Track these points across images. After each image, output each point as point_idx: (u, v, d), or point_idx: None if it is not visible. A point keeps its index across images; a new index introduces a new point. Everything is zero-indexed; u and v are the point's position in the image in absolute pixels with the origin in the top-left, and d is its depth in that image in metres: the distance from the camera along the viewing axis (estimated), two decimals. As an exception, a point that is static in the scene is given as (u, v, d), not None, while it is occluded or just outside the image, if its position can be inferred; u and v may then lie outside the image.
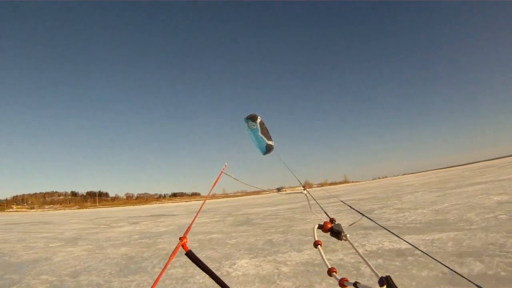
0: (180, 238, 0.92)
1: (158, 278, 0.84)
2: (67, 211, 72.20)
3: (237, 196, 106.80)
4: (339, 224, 1.12)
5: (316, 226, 1.11)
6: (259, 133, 2.95)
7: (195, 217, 1.31)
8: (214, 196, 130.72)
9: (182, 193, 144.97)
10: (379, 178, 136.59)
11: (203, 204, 1.53)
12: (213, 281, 0.89)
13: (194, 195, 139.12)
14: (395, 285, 0.72)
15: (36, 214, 55.74)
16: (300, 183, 2.42)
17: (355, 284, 0.75)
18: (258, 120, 2.96)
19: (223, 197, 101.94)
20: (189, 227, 1.08)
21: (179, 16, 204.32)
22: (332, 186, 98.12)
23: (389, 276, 0.74)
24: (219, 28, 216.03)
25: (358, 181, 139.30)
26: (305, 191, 2.17)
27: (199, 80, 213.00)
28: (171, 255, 0.88)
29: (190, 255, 0.90)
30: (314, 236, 1.06)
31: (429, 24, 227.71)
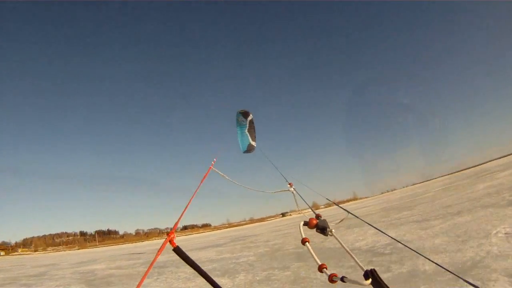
0: (168, 234, 0.94)
1: (145, 274, 0.85)
2: (67, 252, 68.98)
3: (241, 225, 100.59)
4: (324, 220, 1.14)
5: (302, 223, 1.12)
6: (246, 131, 2.97)
7: (182, 214, 1.28)
8: (216, 228, 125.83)
9: (194, 225, 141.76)
10: (387, 192, 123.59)
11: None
12: (202, 277, 0.90)
13: (205, 226, 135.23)
14: (380, 278, 0.73)
15: (24, 257, 51.59)
16: (286, 181, 2.43)
17: (342, 278, 0.80)
18: (249, 118, 2.96)
19: (226, 227, 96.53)
20: (177, 222, 1.13)
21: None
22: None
23: (374, 269, 0.75)
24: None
25: (367, 197, 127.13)
26: (292, 188, 2.29)
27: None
28: (158, 251, 0.87)
29: (178, 251, 0.89)
30: (300, 234, 1.08)
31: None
